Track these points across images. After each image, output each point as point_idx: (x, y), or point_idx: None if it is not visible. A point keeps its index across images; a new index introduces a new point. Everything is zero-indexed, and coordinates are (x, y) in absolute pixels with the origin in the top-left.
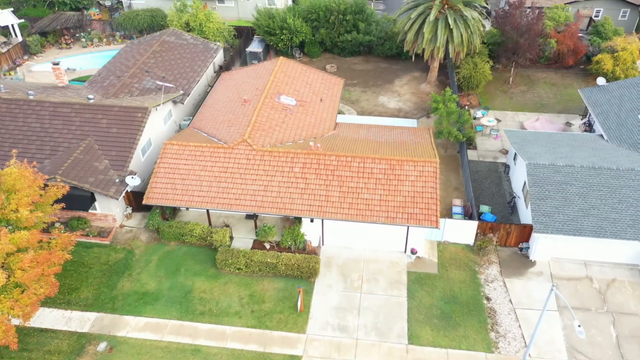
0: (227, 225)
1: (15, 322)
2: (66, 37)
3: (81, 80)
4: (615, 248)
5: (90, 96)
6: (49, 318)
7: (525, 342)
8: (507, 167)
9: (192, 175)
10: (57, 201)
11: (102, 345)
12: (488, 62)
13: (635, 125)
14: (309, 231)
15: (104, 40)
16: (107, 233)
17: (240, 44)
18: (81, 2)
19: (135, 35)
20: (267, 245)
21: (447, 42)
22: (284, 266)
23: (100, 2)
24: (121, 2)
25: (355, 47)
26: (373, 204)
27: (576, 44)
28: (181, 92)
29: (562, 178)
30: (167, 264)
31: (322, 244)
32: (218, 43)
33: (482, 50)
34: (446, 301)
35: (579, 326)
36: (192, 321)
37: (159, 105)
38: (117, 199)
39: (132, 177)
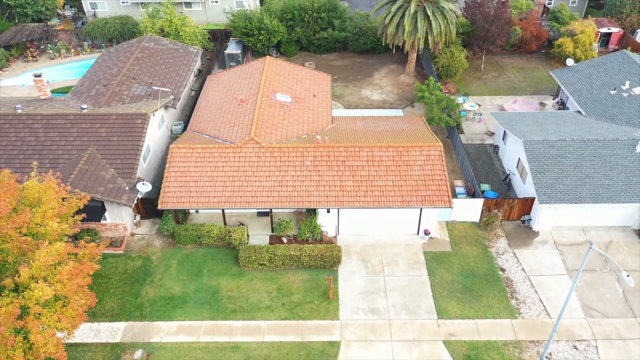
0: (242, 224)
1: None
2: (31, 49)
3: (56, 92)
4: (608, 213)
5: (84, 106)
6: (76, 332)
7: (543, 305)
8: (496, 147)
9: (204, 177)
10: (77, 212)
11: (139, 353)
12: (462, 51)
13: (609, 100)
14: (325, 222)
15: (72, 50)
16: (119, 242)
17: (217, 47)
18: (44, 12)
19: (104, 44)
20: (285, 240)
21: (427, 33)
22: (307, 257)
23: (60, 12)
24: (83, 11)
25: (331, 44)
26: (387, 190)
27: (538, 29)
28: (171, 96)
29: (557, 152)
30: (188, 267)
31: (338, 234)
32: (196, 47)
33: (456, 39)
34: (465, 275)
35: (627, 276)
36: (225, 320)
37: (157, 110)
38: (130, 207)
39: (143, 184)
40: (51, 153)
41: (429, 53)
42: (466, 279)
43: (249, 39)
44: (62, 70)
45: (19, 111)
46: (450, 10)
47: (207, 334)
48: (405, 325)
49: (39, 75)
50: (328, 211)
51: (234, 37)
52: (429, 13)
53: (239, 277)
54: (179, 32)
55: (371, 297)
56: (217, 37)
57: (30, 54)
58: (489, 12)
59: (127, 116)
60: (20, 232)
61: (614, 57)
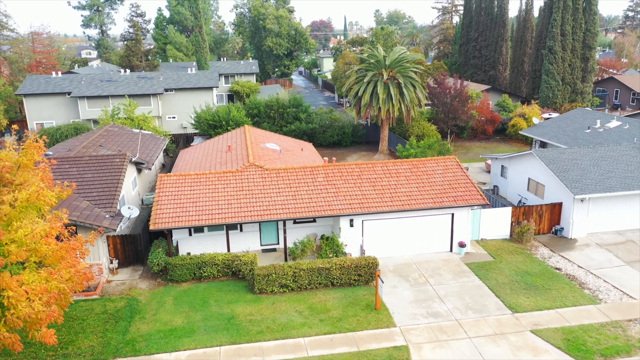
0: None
1: None
2: None
3: None
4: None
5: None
6: None
7: (621, 290)
8: (495, 187)
9: (203, 198)
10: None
11: None
12: (431, 125)
13: (587, 136)
14: (348, 240)
15: None
16: (93, 287)
17: (179, 148)
18: None
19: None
20: None
21: (400, 102)
22: (338, 271)
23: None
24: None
25: (299, 136)
26: (413, 195)
27: (492, 114)
28: (144, 164)
29: (570, 156)
30: (189, 301)
31: (364, 253)
32: (163, 136)
33: (426, 123)
34: (522, 275)
35: None
36: (251, 342)
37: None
38: (114, 230)
39: (129, 208)
40: None
41: (400, 130)
42: (524, 277)
43: (216, 131)
44: None
45: None
46: (416, 80)
47: (232, 357)
48: (478, 322)
49: None
50: (351, 225)
51: (199, 135)
52: (401, 81)
53: (257, 302)
54: (141, 128)
55: (426, 304)
56: (179, 141)
57: None
58: (450, 86)
59: (103, 157)
60: None
61: (573, 112)
